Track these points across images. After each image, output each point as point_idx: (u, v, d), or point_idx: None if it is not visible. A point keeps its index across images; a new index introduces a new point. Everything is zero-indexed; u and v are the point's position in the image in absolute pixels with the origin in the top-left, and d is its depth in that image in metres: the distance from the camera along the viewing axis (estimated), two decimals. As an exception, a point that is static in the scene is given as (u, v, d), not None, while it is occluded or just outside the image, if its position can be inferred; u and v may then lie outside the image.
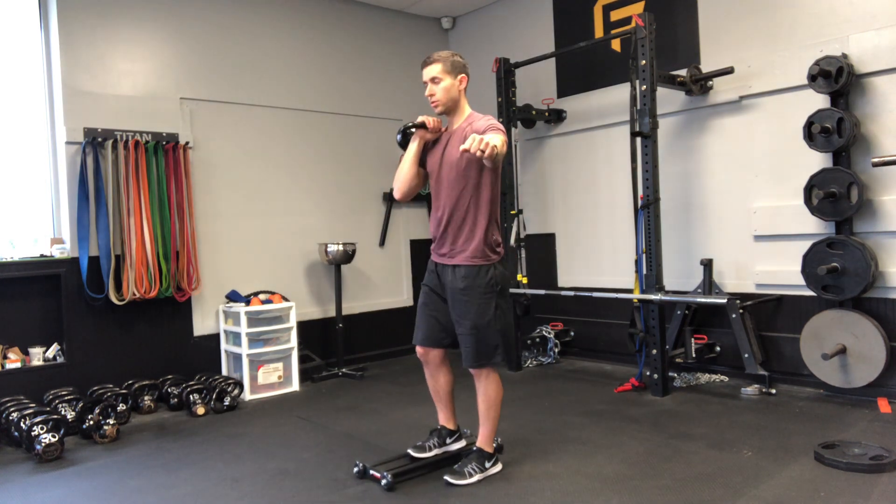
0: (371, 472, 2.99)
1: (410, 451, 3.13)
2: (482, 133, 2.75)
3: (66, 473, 3.31)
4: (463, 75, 3.02)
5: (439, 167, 3.00)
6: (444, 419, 3.20)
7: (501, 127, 2.87)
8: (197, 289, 4.74)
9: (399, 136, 3.07)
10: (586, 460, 3.14)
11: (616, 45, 5.13)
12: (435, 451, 3.14)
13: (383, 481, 2.90)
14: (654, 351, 4.25)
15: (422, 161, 3.07)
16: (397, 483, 2.92)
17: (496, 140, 2.62)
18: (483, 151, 2.53)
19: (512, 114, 5.21)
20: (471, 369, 2.97)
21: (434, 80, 2.97)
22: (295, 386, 4.87)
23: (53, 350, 4.33)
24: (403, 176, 3.03)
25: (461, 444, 3.22)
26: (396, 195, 3.09)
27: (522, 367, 5.21)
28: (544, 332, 5.42)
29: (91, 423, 3.78)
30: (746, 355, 4.12)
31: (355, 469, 3.07)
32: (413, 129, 3.02)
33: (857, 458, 2.86)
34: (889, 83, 3.84)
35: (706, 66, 4.58)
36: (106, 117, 4.50)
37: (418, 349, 3.13)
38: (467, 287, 2.90)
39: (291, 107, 5.44)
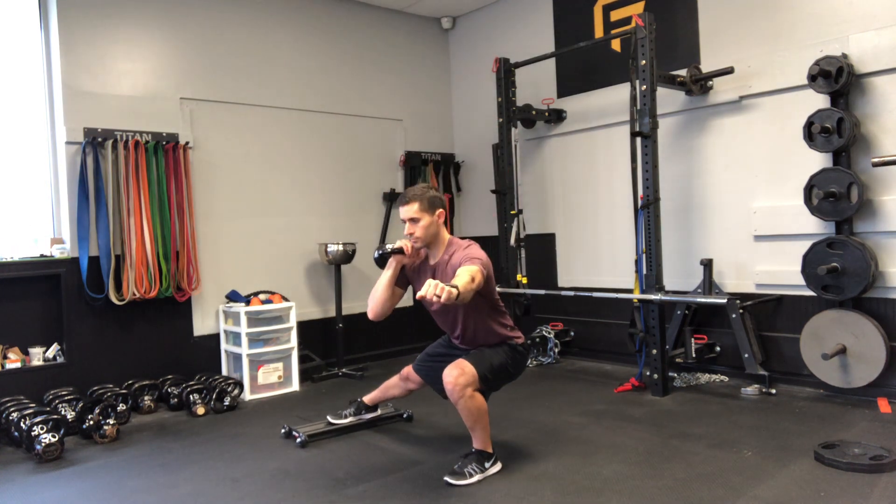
0: (293, 432, 3.59)
1: (329, 418, 3.70)
2: (458, 267, 2.86)
3: (66, 473, 3.31)
4: (440, 210, 3.08)
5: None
6: (370, 399, 3.69)
7: (479, 255, 2.94)
8: (197, 289, 4.74)
9: (376, 255, 3.14)
10: (586, 460, 3.14)
11: (616, 45, 5.13)
12: (350, 419, 3.69)
13: (298, 439, 3.52)
14: (654, 351, 4.25)
15: (401, 281, 3.19)
16: (310, 442, 3.52)
17: (463, 277, 2.66)
18: (439, 297, 2.50)
19: (512, 114, 5.21)
20: (452, 383, 2.87)
21: (412, 220, 3.03)
22: (295, 386, 4.87)
23: (53, 350, 4.33)
24: (378, 298, 3.14)
25: (374, 413, 3.74)
26: (370, 315, 3.18)
27: (522, 367, 5.20)
28: (544, 332, 5.42)
29: (91, 423, 3.78)
30: (746, 355, 4.12)
31: (282, 430, 3.69)
32: (391, 254, 3.09)
33: (857, 458, 2.86)
34: (889, 83, 3.84)
35: (706, 66, 4.58)
36: (106, 117, 4.50)
37: (407, 368, 3.47)
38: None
39: (291, 107, 5.44)
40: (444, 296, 2.49)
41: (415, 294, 3.14)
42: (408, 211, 3.03)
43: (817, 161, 4.05)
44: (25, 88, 4.46)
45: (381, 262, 3.14)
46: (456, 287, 2.55)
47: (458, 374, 2.87)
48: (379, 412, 3.76)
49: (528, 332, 5.44)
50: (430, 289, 2.51)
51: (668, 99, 4.65)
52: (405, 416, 3.87)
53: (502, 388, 3.18)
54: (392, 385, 3.58)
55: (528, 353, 3.25)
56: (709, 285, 4.45)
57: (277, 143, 5.36)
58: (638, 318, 4.47)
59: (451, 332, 3.22)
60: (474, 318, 3.07)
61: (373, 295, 3.16)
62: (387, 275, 3.13)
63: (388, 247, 3.10)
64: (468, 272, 2.73)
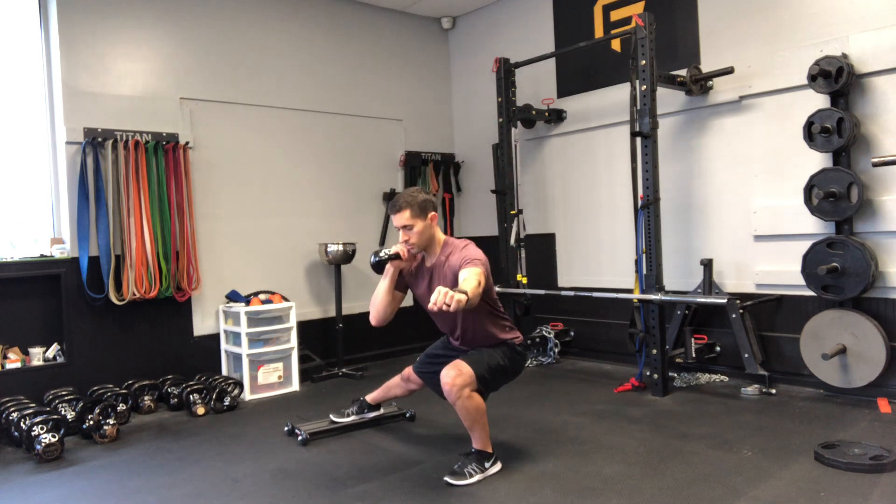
0: (296, 430, 3.65)
1: (331, 416, 3.74)
2: (458, 268, 2.90)
3: (66, 473, 3.31)
4: (432, 213, 3.07)
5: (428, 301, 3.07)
6: (373, 398, 3.73)
7: (479, 256, 2.94)
8: (197, 289, 4.74)
9: (373, 261, 3.11)
10: (586, 460, 3.14)
11: (616, 45, 5.14)
12: (352, 418, 3.73)
13: (299, 437, 3.58)
14: (654, 351, 4.25)
15: (400, 285, 3.20)
16: (312, 440, 3.56)
17: (470, 282, 2.68)
18: (448, 306, 2.50)
19: (512, 114, 5.21)
20: (449, 384, 2.86)
21: (406, 227, 3.03)
22: (295, 386, 4.87)
23: (53, 350, 4.33)
24: (379, 304, 3.16)
25: (377, 412, 3.78)
26: (373, 321, 3.21)
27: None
28: (544, 332, 5.42)
29: (91, 423, 3.78)
30: (746, 355, 4.12)
31: (285, 428, 3.73)
32: (388, 260, 3.08)
33: (857, 458, 2.86)
34: (889, 83, 3.84)
35: (706, 66, 4.58)
36: (106, 117, 4.50)
37: (408, 369, 3.50)
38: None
39: (291, 107, 5.44)
40: (454, 304, 2.49)
41: (414, 297, 3.18)
42: (400, 219, 3.03)
43: (817, 161, 4.05)
44: (25, 88, 4.46)
45: (379, 268, 3.13)
46: (465, 293, 2.56)
47: (455, 374, 2.87)
48: (382, 411, 3.80)
49: (528, 332, 5.44)
50: (440, 297, 2.51)
51: (668, 99, 4.65)
52: (408, 415, 3.90)
53: (502, 388, 3.19)
54: (394, 385, 3.62)
55: (527, 352, 3.28)
56: (709, 285, 4.45)
57: (277, 143, 5.36)
58: (638, 318, 4.47)
59: (451, 334, 3.23)
60: (473, 318, 3.07)
61: (373, 302, 3.18)
62: (385, 281, 3.14)
63: (384, 253, 3.08)
64: (475, 276, 2.75)
